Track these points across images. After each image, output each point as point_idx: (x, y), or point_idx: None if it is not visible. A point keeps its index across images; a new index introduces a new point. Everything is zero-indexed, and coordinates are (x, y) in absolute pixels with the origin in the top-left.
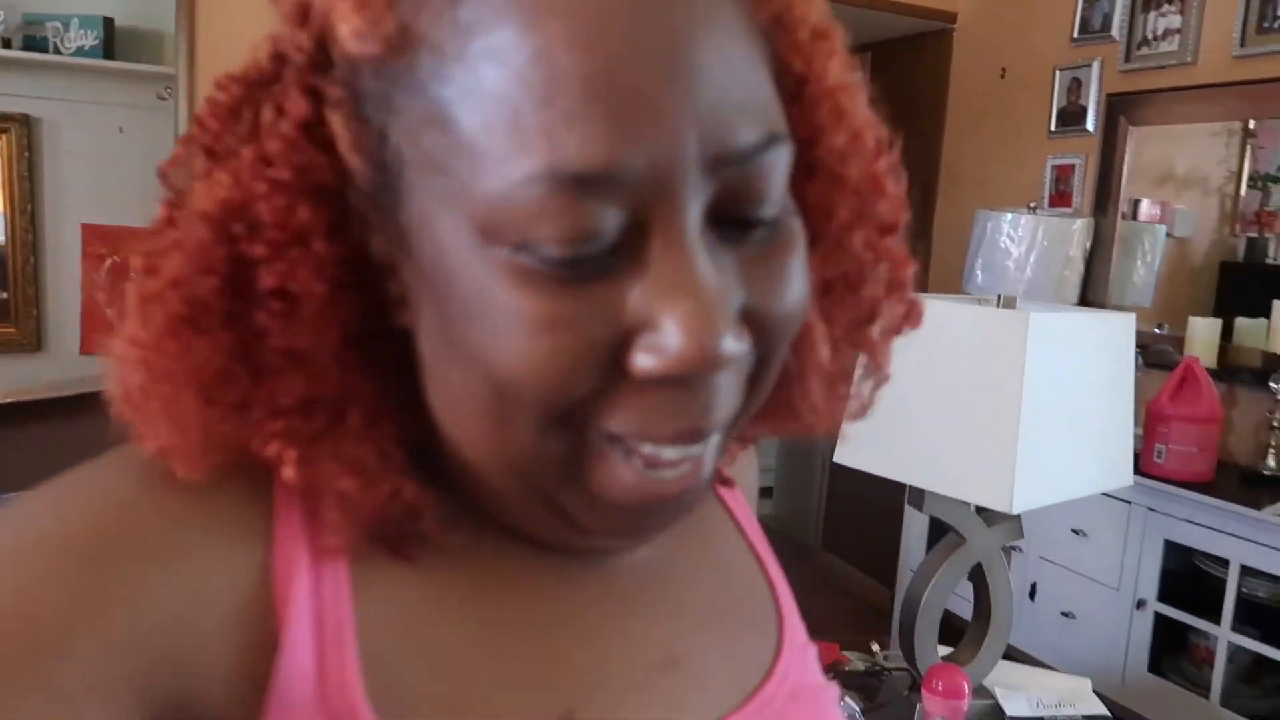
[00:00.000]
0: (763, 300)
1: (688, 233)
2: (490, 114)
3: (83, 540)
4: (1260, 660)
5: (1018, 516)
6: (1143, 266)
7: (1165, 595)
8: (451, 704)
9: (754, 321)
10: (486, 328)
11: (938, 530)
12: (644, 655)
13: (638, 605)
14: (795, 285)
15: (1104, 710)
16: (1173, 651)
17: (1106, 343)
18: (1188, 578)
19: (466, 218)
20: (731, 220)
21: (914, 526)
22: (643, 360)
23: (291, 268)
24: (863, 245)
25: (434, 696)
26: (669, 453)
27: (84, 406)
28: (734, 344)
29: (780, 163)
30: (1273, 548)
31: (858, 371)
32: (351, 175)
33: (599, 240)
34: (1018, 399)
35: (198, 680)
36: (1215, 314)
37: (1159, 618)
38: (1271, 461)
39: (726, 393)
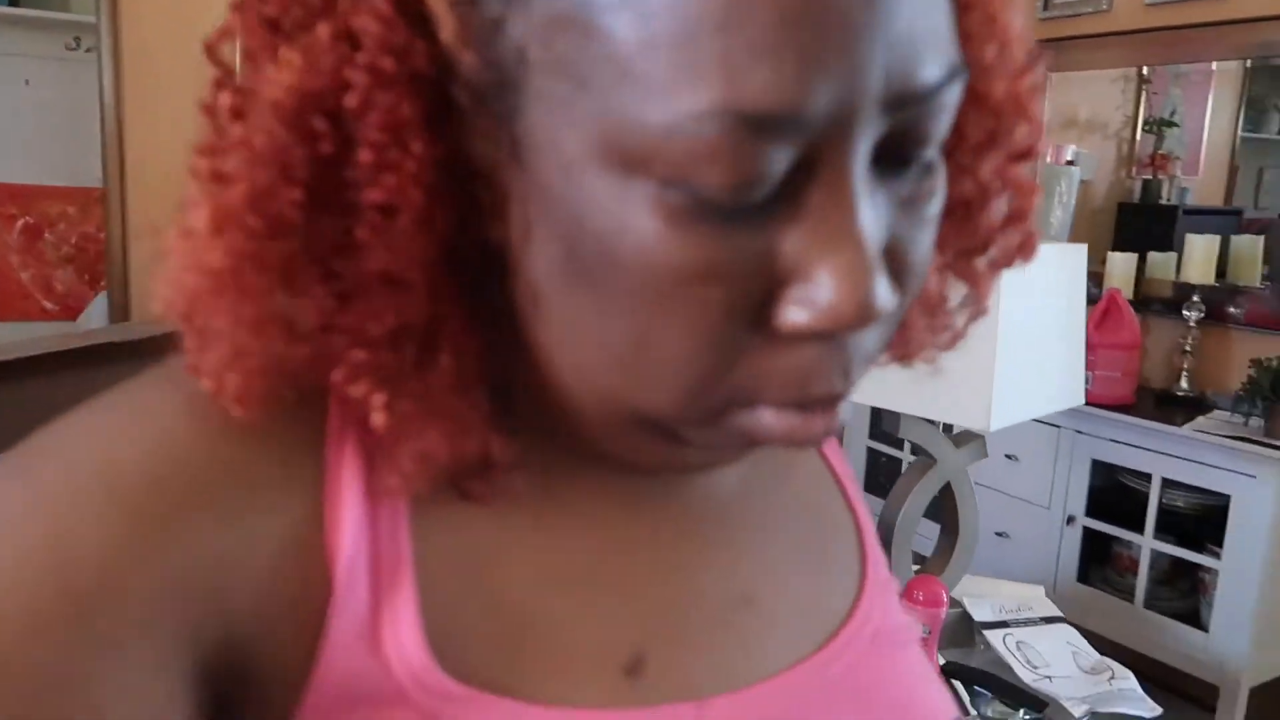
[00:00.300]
0: (905, 246)
1: (854, 177)
2: (656, 30)
3: (124, 478)
4: (1177, 564)
5: (982, 437)
6: (1059, 207)
7: (1092, 510)
8: (513, 644)
9: (893, 265)
10: (629, 272)
11: (875, 465)
12: (719, 592)
13: (714, 538)
14: (933, 234)
15: (1057, 611)
16: (1099, 562)
17: (1063, 272)
18: (1113, 493)
19: (607, 142)
20: (890, 158)
21: (852, 462)
22: (794, 314)
23: (396, 176)
24: (991, 172)
25: (494, 636)
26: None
27: (2, 375)
28: (889, 297)
29: (955, 99)
30: (1190, 460)
31: (953, 300)
32: (454, 67)
33: (766, 183)
34: (995, 325)
35: (248, 622)
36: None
37: (1087, 531)
38: (1184, 383)
39: (870, 346)
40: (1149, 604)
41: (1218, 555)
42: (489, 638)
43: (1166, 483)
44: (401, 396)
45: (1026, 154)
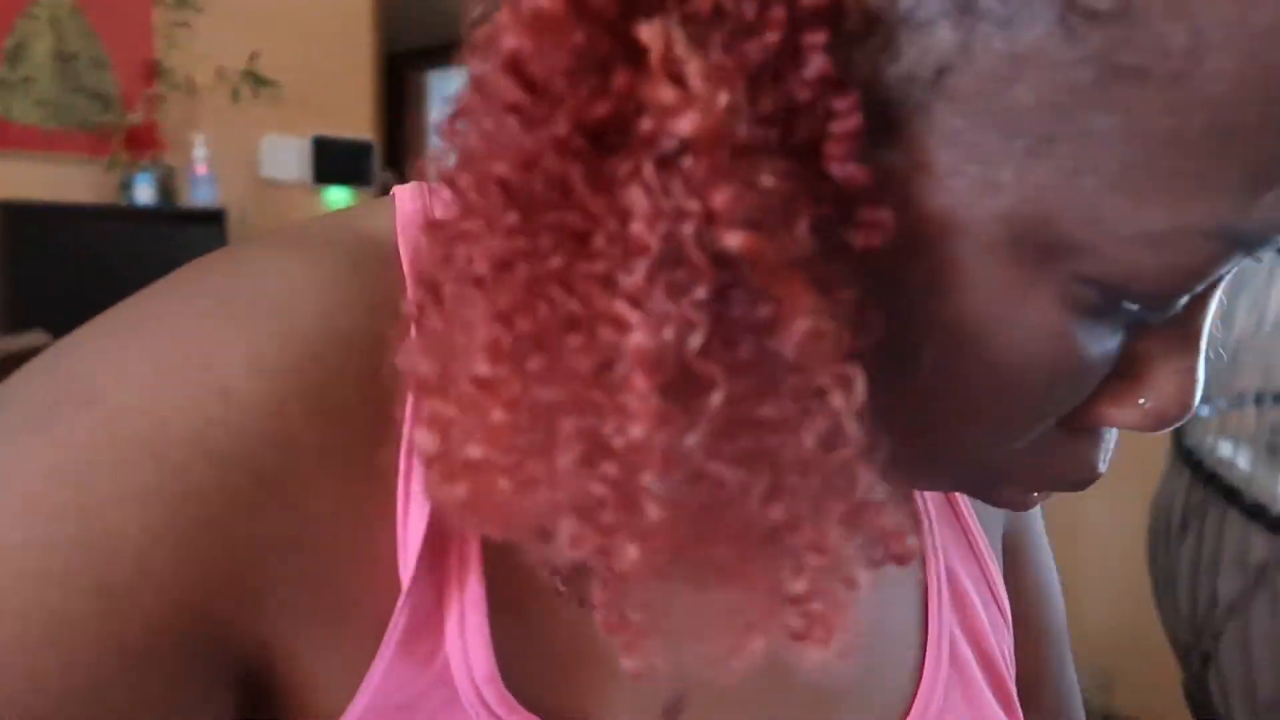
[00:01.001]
0: None
1: (1221, 285)
2: (1193, 124)
3: (173, 448)
4: None
5: None
6: None
7: None
8: (565, 665)
9: None
10: (991, 366)
11: None
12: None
13: None
14: None
15: None
16: None
17: None
18: None
19: (1039, 222)
20: None
21: None
22: (1114, 414)
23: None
24: None
25: (552, 652)
26: None
27: None
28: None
29: None
30: None
31: None
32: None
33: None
34: None
35: (300, 621)
36: None
37: None
38: None
39: None
40: None
41: None
42: (545, 657)
43: None
44: None
45: None
